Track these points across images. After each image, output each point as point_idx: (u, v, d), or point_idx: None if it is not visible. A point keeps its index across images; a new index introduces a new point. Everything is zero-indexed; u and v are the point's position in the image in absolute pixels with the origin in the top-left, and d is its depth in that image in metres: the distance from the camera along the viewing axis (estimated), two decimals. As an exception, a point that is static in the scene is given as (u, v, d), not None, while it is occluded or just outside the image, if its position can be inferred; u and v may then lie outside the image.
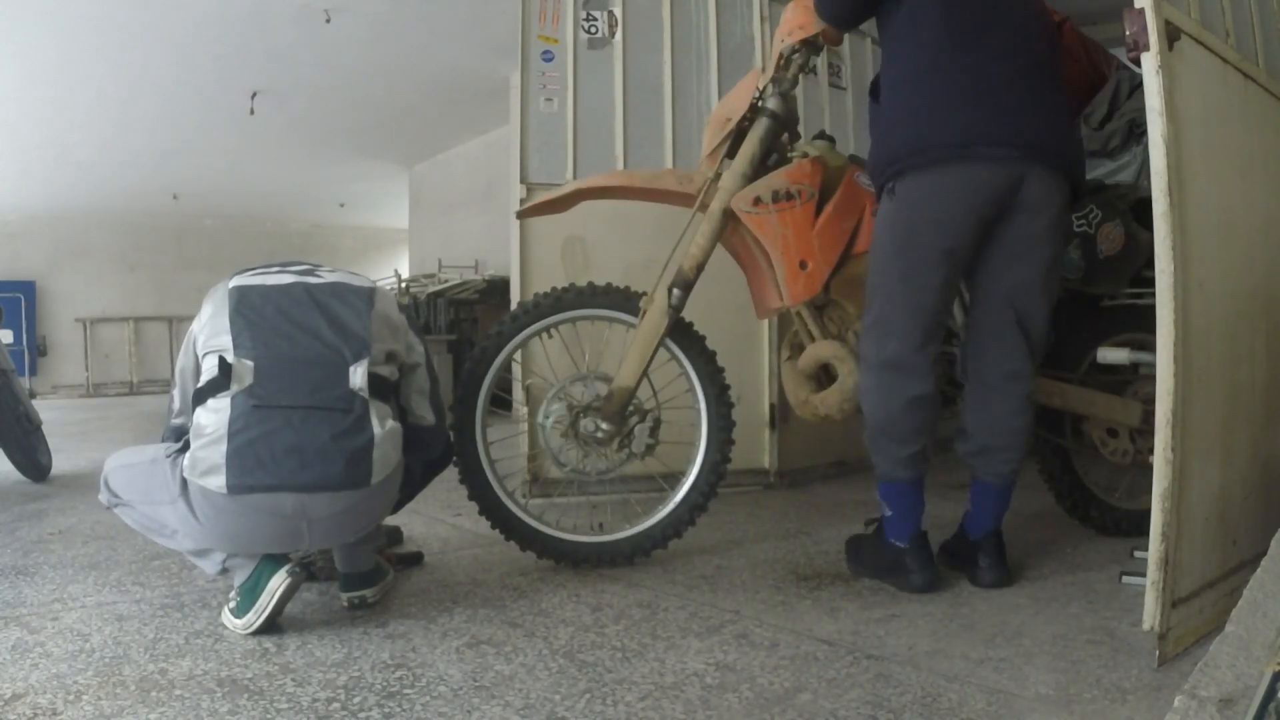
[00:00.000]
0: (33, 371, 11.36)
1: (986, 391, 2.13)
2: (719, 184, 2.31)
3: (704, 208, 2.32)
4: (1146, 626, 1.62)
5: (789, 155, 2.34)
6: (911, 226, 2.02)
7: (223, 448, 1.77)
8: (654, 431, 2.36)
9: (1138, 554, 2.18)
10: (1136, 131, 3.34)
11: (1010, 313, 2.08)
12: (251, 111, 6.97)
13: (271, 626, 1.88)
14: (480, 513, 2.33)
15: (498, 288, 7.44)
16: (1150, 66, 1.59)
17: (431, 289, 7.86)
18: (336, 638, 1.87)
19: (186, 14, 5.24)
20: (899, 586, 2.14)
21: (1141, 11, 1.58)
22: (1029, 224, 2.02)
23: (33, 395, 4.50)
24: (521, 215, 2.68)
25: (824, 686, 1.60)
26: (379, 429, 1.85)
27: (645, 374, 2.32)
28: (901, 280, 2.05)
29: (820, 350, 2.34)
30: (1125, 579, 2.14)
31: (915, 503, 2.18)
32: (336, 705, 1.53)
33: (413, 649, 1.80)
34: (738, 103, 2.35)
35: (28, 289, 11.78)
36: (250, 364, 1.84)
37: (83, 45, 5.68)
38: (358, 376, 1.86)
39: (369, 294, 2.02)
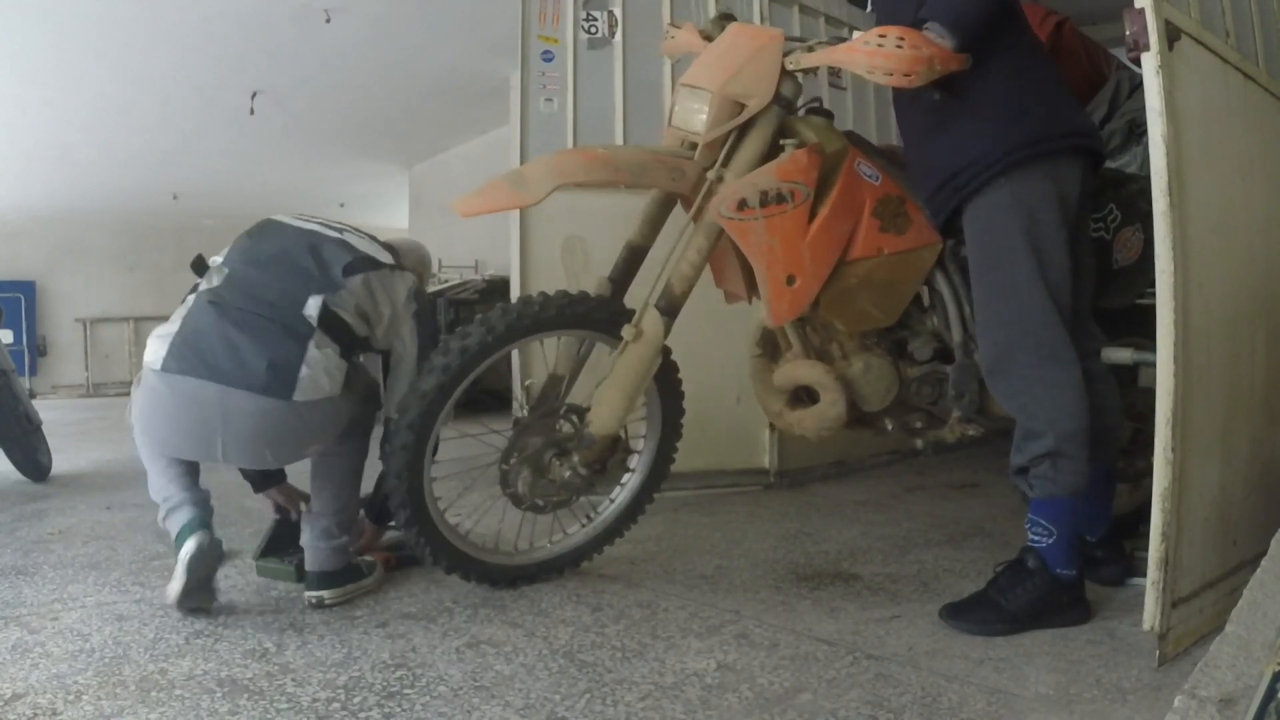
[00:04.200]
0: (33, 371, 11.34)
1: (1090, 379, 1.99)
2: (718, 188, 1.96)
3: (698, 213, 2.00)
4: (1146, 626, 1.62)
5: (781, 143, 1.99)
6: (1035, 211, 1.89)
7: (174, 330, 1.96)
8: (625, 462, 2.21)
9: (1138, 554, 2.18)
10: (1136, 131, 3.33)
11: (1085, 298, 2.04)
12: (251, 111, 6.96)
13: (194, 599, 1.94)
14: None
15: (498, 288, 7.42)
16: (1150, 66, 1.59)
17: (432, 289, 7.86)
18: (336, 638, 1.87)
19: (186, 14, 5.24)
20: (1068, 624, 1.87)
21: (1141, 11, 1.58)
22: (1083, 212, 2.03)
23: (33, 395, 4.50)
24: (465, 211, 1.95)
25: (824, 686, 1.60)
26: (313, 352, 1.93)
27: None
28: (1038, 266, 1.87)
29: (799, 371, 2.15)
30: (1125, 579, 2.14)
31: (1078, 516, 1.95)
32: (336, 705, 1.53)
33: (413, 649, 1.80)
34: (757, 82, 1.96)
35: (28, 289, 11.76)
36: (226, 270, 2.04)
37: (82, 45, 5.67)
38: (313, 305, 1.97)
39: (369, 260, 2.09)
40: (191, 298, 2.04)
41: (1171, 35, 1.61)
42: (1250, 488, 1.93)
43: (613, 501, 2.35)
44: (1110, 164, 3.35)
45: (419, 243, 2.53)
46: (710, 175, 1.97)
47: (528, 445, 2.08)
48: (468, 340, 1.98)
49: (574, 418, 2.11)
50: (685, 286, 2.02)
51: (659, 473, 2.35)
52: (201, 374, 1.90)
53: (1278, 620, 1.27)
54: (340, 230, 2.18)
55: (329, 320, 1.99)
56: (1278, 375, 2.04)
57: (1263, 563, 1.43)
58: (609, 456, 2.10)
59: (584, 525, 2.33)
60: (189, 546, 1.93)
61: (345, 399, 2.02)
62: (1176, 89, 1.62)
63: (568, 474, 2.06)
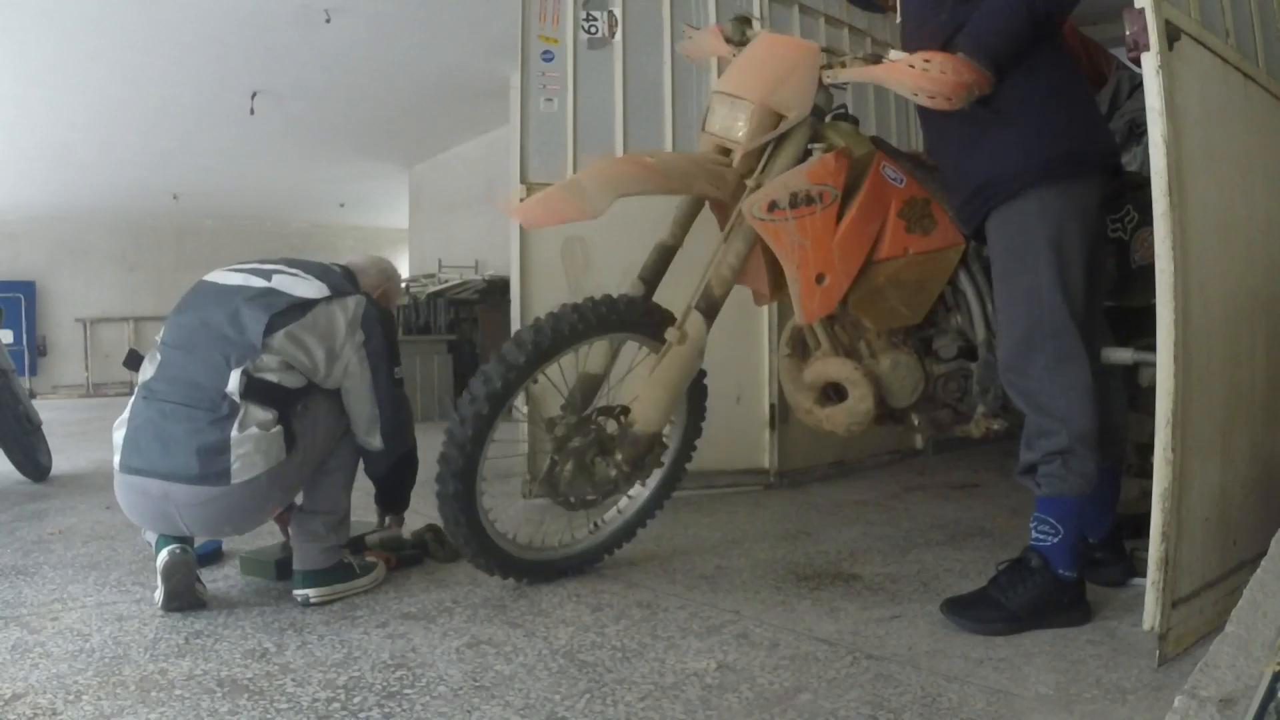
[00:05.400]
0: (33, 371, 11.35)
1: (1096, 379, 2.00)
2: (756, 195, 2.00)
3: (738, 218, 2.04)
4: (1146, 626, 1.62)
5: (810, 147, 2.07)
6: (1062, 222, 1.92)
7: (123, 431, 2.01)
8: (660, 459, 2.24)
9: (1138, 554, 2.17)
10: (1136, 131, 3.32)
11: (1098, 303, 2.07)
12: (251, 111, 6.97)
13: (178, 603, 2.01)
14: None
15: (498, 288, 7.43)
16: (1150, 66, 1.59)
17: (431, 289, 7.86)
18: (336, 638, 1.87)
19: (186, 14, 5.24)
20: (1068, 624, 1.88)
21: (1141, 11, 1.58)
22: (1101, 221, 2.07)
23: (33, 395, 4.50)
24: (529, 223, 2.08)
25: (824, 686, 1.60)
26: (237, 432, 1.91)
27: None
28: (1060, 274, 1.90)
29: (829, 368, 2.21)
30: (1126, 580, 2.13)
31: (1083, 517, 1.96)
32: (336, 705, 1.53)
33: (413, 649, 1.80)
34: (797, 95, 2.01)
35: (28, 289, 11.76)
36: (159, 357, 2.06)
37: (82, 45, 5.67)
38: (234, 381, 1.94)
39: (293, 308, 2.04)
40: (136, 389, 2.07)
41: (1171, 35, 1.61)
42: (1250, 488, 1.93)
43: (632, 497, 2.41)
44: (1112, 165, 3.35)
45: (379, 258, 2.52)
46: (750, 183, 2.01)
47: (571, 443, 2.09)
48: (539, 336, 2.02)
49: (617, 417, 2.14)
50: (724, 289, 2.07)
51: (680, 467, 2.42)
52: (145, 471, 1.94)
53: (1278, 620, 1.27)
54: (270, 274, 2.12)
55: (256, 388, 1.95)
56: (1278, 375, 2.04)
57: (1263, 563, 1.43)
58: (652, 454, 2.14)
59: (619, 514, 2.39)
60: (162, 558, 2.00)
61: (299, 451, 2.01)
62: (1176, 89, 1.62)
63: (613, 472, 2.10)
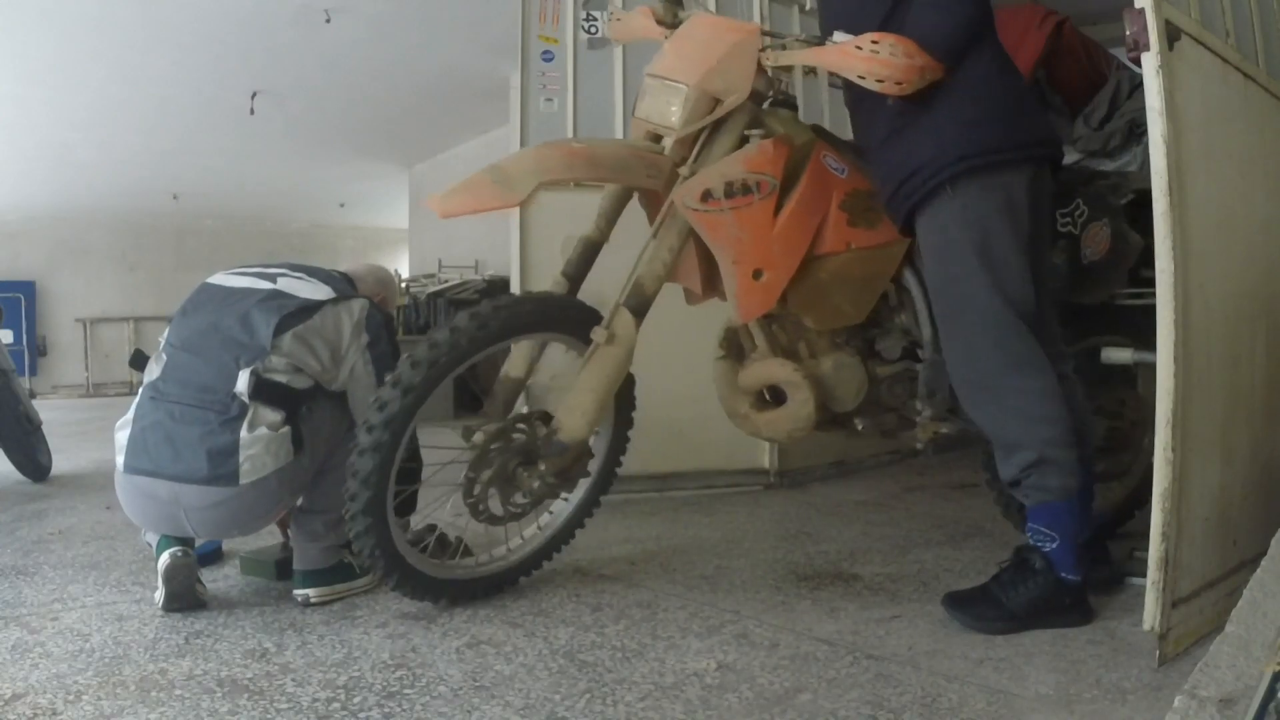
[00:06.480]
0: (33, 371, 11.35)
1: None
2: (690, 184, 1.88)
3: (670, 209, 1.91)
4: (1146, 626, 1.62)
5: (746, 134, 1.93)
6: (987, 222, 1.87)
7: (127, 432, 2.01)
8: (587, 468, 2.07)
9: (1137, 554, 2.17)
10: (1136, 131, 3.33)
11: (1046, 303, 2.00)
12: (251, 111, 6.97)
13: (178, 604, 2.01)
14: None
15: (498, 288, 7.44)
16: (1150, 66, 1.59)
17: (431, 289, 7.86)
18: (336, 638, 1.87)
19: (186, 14, 5.24)
20: (1068, 625, 1.85)
21: (1141, 11, 1.58)
22: (1042, 216, 2.01)
23: (33, 395, 4.49)
24: (445, 211, 1.84)
25: (824, 686, 1.60)
26: (247, 433, 1.92)
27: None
28: (994, 279, 1.85)
29: (768, 370, 2.07)
30: (1114, 580, 2.13)
31: (1080, 518, 1.91)
32: (336, 705, 1.53)
33: (413, 649, 1.80)
34: (734, 78, 1.88)
35: (28, 289, 11.77)
36: (165, 358, 2.06)
37: (82, 45, 5.68)
38: (243, 381, 1.94)
39: (302, 309, 2.04)
40: (141, 389, 2.07)
41: (1171, 35, 1.61)
42: (1250, 488, 1.93)
43: (567, 500, 2.22)
44: (1110, 164, 3.36)
45: (376, 266, 2.54)
46: (683, 171, 1.89)
47: (493, 460, 1.93)
48: (435, 352, 1.84)
49: (538, 424, 1.98)
50: (657, 285, 1.95)
51: (610, 473, 2.26)
52: (153, 473, 1.94)
53: (1278, 620, 1.27)
54: (276, 277, 2.13)
55: (264, 389, 1.96)
56: (1278, 375, 2.04)
57: (1263, 563, 1.43)
58: (579, 463, 2.00)
59: (540, 530, 2.22)
60: (163, 560, 2.00)
61: (306, 453, 2.02)
62: (1176, 89, 1.62)
63: (536, 484, 1.93)
